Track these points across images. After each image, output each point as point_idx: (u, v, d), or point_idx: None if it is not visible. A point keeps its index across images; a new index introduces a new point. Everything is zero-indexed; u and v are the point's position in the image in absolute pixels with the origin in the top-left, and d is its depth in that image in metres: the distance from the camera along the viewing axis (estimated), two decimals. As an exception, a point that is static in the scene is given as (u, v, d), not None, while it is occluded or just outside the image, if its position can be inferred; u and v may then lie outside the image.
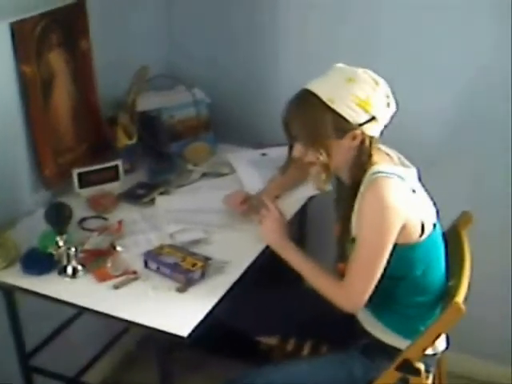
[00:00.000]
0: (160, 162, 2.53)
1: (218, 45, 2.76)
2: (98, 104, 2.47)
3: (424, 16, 2.34)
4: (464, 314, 1.66)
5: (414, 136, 2.43)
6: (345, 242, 1.86)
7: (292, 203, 2.26)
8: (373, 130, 1.77)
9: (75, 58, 2.32)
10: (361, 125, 1.75)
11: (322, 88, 1.76)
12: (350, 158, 1.82)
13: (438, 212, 1.89)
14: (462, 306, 1.67)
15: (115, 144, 2.43)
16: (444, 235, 1.96)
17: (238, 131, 2.70)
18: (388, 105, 1.77)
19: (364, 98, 1.73)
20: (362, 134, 1.76)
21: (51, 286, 1.85)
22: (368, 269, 1.76)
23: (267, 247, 1.99)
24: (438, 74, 2.40)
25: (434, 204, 1.89)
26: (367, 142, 1.78)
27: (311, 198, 2.30)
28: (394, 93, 1.80)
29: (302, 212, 2.42)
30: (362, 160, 1.79)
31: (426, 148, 2.44)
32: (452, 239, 2.05)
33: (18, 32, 2.04)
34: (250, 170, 2.46)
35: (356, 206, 1.79)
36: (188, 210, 2.21)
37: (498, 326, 2.68)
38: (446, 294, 1.89)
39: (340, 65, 1.80)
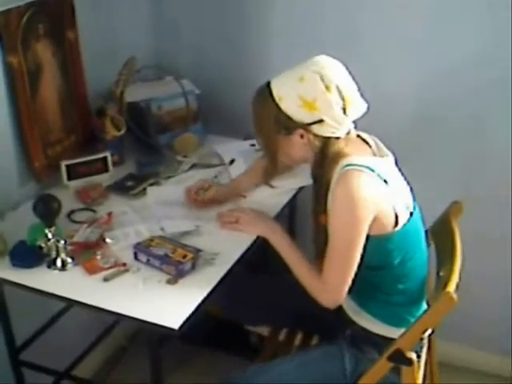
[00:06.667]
0: (149, 154, 2.52)
1: (207, 35, 2.75)
2: (87, 95, 2.45)
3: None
4: (456, 304, 1.66)
5: (394, 122, 2.48)
6: (319, 238, 1.86)
7: (280, 195, 2.25)
8: (324, 131, 1.77)
9: (62, 49, 2.30)
10: (307, 125, 1.76)
11: (278, 83, 1.79)
12: (308, 154, 1.84)
13: (413, 197, 1.90)
14: (454, 296, 1.66)
15: (104, 136, 2.41)
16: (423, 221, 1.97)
17: (228, 122, 2.69)
18: (344, 110, 1.75)
19: (310, 99, 1.73)
20: (309, 133, 1.78)
21: (40, 279, 1.84)
22: (342, 263, 1.77)
23: (258, 238, 1.99)
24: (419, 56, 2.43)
25: (412, 191, 1.90)
26: (317, 142, 1.79)
27: (300, 190, 2.29)
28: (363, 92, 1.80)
29: (291, 204, 2.41)
30: (318, 157, 1.82)
31: (408, 135, 2.48)
32: (443, 229, 2.05)
33: (4, 22, 2.01)
34: (238, 161, 2.45)
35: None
36: (178, 202, 2.20)
37: (497, 313, 2.69)
38: (438, 283, 1.90)
39: (319, 58, 1.79)
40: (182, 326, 1.65)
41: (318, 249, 1.87)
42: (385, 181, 1.77)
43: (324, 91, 1.73)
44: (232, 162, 2.47)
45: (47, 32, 2.22)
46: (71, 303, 1.84)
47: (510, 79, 2.30)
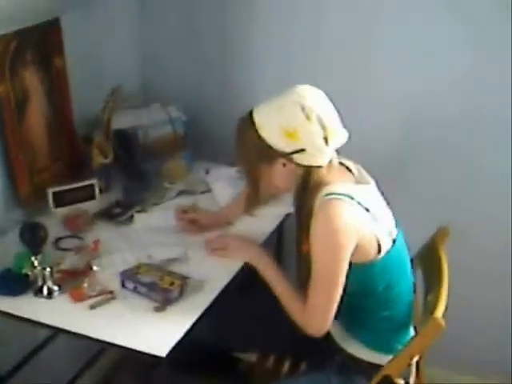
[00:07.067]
0: (136, 181, 2.52)
1: (193, 62, 2.78)
2: (73, 122, 2.45)
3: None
4: (443, 329, 1.66)
5: (378, 148, 2.52)
6: (303, 266, 1.85)
7: (268, 221, 2.27)
8: (305, 160, 1.77)
9: (50, 76, 2.31)
10: (289, 154, 1.76)
11: (259, 112, 1.80)
12: (290, 183, 1.84)
13: (397, 224, 1.90)
14: (442, 321, 1.67)
15: (91, 163, 2.41)
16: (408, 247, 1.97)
17: (215, 148, 2.70)
18: (325, 139, 1.75)
19: (291, 129, 1.74)
20: (290, 162, 1.78)
21: (26, 307, 1.82)
22: (325, 291, 1.77)
23: (245, 264, 1.99)
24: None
25: (396, 218, 1.91)
26: (298, 170, 1.79)
27: (287, 217, 2.30)
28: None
29: (279, 231, 2.42)
30: (300, 186, 1.82)
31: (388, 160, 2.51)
32: (429, 254, 2.06)
33: (-8, 49, 2.02)
34: (224, 187, 2.45)
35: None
36: (165, 228, 2.20)
37: (490, 339, 2.69)
38: (425, 308, 1.90)
39: (300, 87, 1.79)
40: (169, 354, 1.64)
41: (301, 277, 1.87)
42: (366, 209, 1.77)
43: (305, 121, 1.73)
44: (207, 172, 2.52)
45: (35, 59, 2.23)
46: (57, 331, 1.83)
47: (510, 106, 2.34)
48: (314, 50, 2.54)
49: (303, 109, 1.73)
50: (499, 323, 2.65)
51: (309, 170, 1.79)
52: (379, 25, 2.42)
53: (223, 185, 2.44)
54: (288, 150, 1.76)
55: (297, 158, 1.77)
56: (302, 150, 1.75)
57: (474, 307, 2.58)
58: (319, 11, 2.49)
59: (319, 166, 1.78)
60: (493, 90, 2.35)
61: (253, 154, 1.82)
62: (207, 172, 2.53)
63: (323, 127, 1.74)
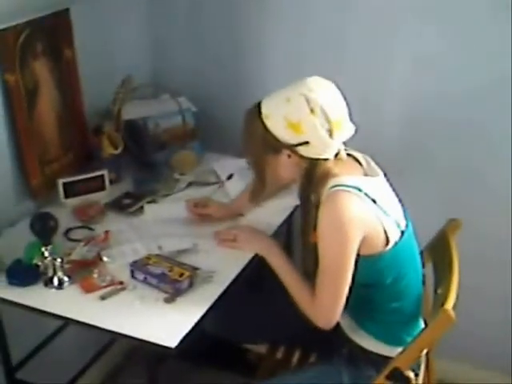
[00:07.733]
0: (146, 171, 2.52)
1: (202, 56, 2.77)
2: (84, 113, 2.45)
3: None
4: (454, 321, 1.65)
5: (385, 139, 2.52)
6: (309, 258, 1.85)
7: (277, 213, 2.27)
8: (310, 152, 1.76)
9: (60, 67, 2.31)
10: (293, 146, 1.76)
11: (266, 103, 1.80)
12: (296, 174, 1.85)
13: (405, 216, 1.89)
14: (452, 314, 1.66)
15: (101, 153, 2.41)
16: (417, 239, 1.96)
17: (225, 140, 2.69)
18: (330, 132, 1.73)
19: (295, 121, 1.73)
20: (295, 154, 1.78)
21: (37, 297, 1.83)
22: (333, 284, 1.76)
23: (255, 256, 1.99)
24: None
25: (405, 210, 1.90)
26: (304, 163, 1.79)
27: (297, 209, 2.29)
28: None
29: (288, 223, 2.41)
30: (305, 178, 1.81)
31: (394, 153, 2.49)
32: (440, 246, 2.05)
33: (1, 40, 2.02)
34: (236, 180, 2.45)
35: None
36: (176, 219, 2.20)
37: (497, 331, 2.68)
38: (435, 301, 1.89)
39: (309, 79, 1.78)
40: (178, 345, 1.64)
41: (307, 269, 1.86)
42: (373, 200, 1.76)
43: (309, 113, 1.71)
44: (230, 177, 2.48)
45: (45, 50, 2.23)
46: (68, 322, 1.84)
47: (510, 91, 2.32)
48: (324, 42, 2.53)
49: (308, 101, 1.72)
50: (500, 314, 2.64)
51: (314, 163, 1.78)
52: (389, 24, 2.41)
53: (234, 177, 2.44)
54: (292, 142, 1.75)
55: (301, 150, 1.76)
56: (306, 143, 1.74)
57: (475, 297, 2.56)
58: (329, 9, 2.48)
59: (325, 159, 1.78)
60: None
61: (259, 144, 1.82)
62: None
63: (328, 120, 1.72)
